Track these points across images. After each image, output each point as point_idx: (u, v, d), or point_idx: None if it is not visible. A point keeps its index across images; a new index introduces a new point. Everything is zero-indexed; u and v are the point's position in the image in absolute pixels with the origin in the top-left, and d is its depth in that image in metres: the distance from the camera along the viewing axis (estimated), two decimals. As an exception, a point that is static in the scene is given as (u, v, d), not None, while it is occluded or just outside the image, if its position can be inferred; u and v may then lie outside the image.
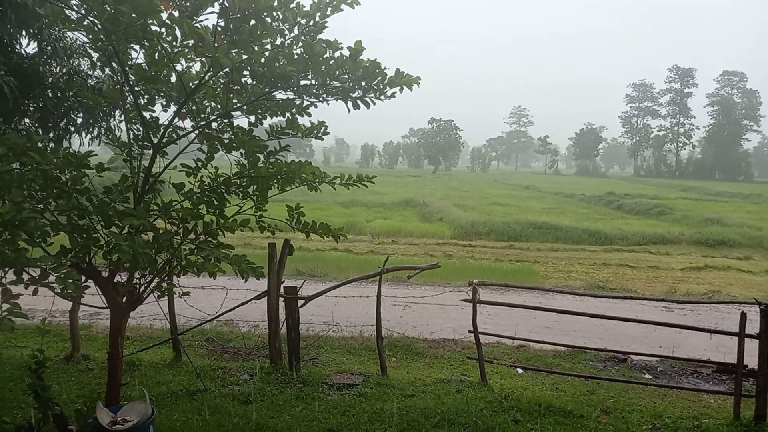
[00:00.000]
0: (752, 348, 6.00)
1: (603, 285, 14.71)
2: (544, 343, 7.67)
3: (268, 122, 5.31)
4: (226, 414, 5.67)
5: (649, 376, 7.95)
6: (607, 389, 7.09)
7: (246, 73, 4.43)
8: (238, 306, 7.36)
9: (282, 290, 7.17)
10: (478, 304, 6.99)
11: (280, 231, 5.15)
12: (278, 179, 4.91)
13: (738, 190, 60.07)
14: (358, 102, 4.56)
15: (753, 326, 5.97)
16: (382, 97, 4.53)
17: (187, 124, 5.10)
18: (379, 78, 4.28)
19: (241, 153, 4.96)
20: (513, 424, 5.64)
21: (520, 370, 7.80)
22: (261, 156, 4.87)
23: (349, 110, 4.56)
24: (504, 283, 7.81)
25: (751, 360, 6.05)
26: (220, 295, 7.99)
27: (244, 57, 4.34)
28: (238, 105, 4.85)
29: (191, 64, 5.14)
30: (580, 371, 7.89)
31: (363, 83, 4.41)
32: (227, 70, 4.37)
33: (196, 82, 4.72)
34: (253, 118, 5.14)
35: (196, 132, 4.95)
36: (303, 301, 7.16)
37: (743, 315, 5.95)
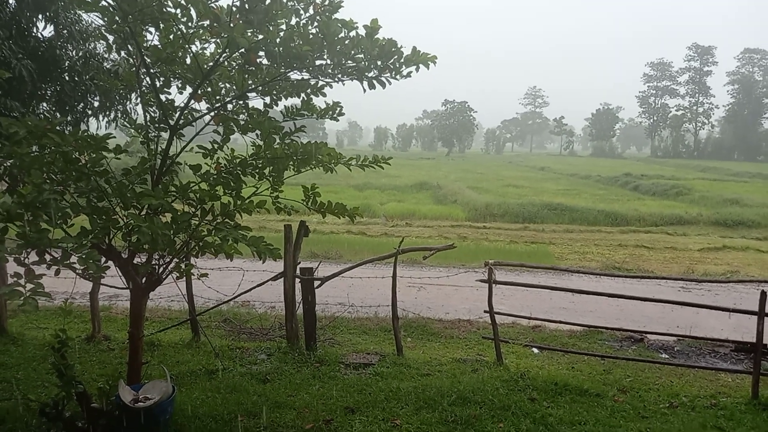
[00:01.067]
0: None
1: (619, 266, 14.62)
2: (560, 322, 7.67)
3: (283, 103, 5.31)
4: (245, 392, 5.77)
5: (666, 356, 7.92)
6: (623, 368, 7.08)
7: (261, 53, 4.41)
8: (254, 287, 7.43)
9: (298, 271, 7.22)
10: (493, 285, 6.99)
11: (296, 212, 5.17)
12: (294, 160, 4.90)
13: (758, 170, 59.01)
14: (374, 82, 4.53)
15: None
16: (398, 76, 4.49)
17: (203, 106, 5.12)
18: (395, 57, 4.24)
19: (256, 134, 4.96)
20: (529, 402, 5.67)
21: (535, 350, 7.81)
22: (276, 137, 4.87)
23: (364, 90, 4.53)
24: (519, 264, 7.79)
25: (771, 340, 6.00)
26: (237, 277, 8.08)
27: (260, 37, 4.33)
28: (254, 86, 4.84)
29: (206, 45, 5.13)
30: (597, 351, 7.89)
31: (379, 62, 4.38)
32: (243, 50, 4.36)
33: (212, 63, 4.72)
34: (268, 100, 5.14)
35: (212, 114, 4.97)
36: (319, 282, 7.21)
37: (763, 294, 5.88)
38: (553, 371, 6.76)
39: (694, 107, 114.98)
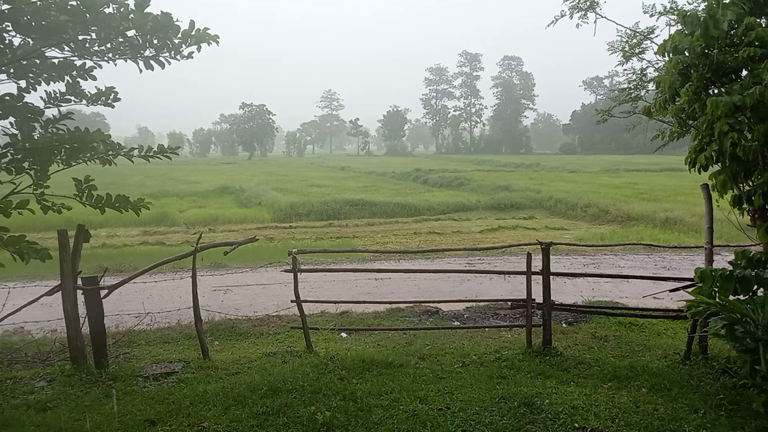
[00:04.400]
0: (540, 290, 6.92)
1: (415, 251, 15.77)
2: (366, 303, 8.01)
3: (44, 88, 4.67)
4: (20, 425, 4.94)
5: (458, 323, 8.76)
6: (423, 339, 7.66)
7: (8, 25, 3.82)
8: (26, 305, 6.41)
9: (80, 282, 6.42)
10: (299, 273, 7.02)
11: (68, 209, 4.58)
12: (62, 151, 4.35)
13: (521, 161, 68.84)
14: (151, 62, 4.21)
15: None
16: (178, 56, 4.24)
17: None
18: (171, 32, 3.99)
19: (10, 123, 4.29)
20: (339, 381, 5.80)
21: (344, 334, 8.04)
22: (37, 125, 4.27)
23: (141, 70, 4.19)
24: (322, 249, 7.96)
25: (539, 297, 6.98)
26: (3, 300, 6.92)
27: (6, 7, 3.74)
28: (2, 66, 4.17)
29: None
30: (399, 326, 8.40)
31: (155, 40, 4.08)
32: (-18, 22, 3.73)
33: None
34: (24, 83, 4.48)
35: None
36: (106, 291, 6.49)
37: (529, 255, 6.83)
38: (360, 350, 7.02)
39: (468, 108, 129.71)
